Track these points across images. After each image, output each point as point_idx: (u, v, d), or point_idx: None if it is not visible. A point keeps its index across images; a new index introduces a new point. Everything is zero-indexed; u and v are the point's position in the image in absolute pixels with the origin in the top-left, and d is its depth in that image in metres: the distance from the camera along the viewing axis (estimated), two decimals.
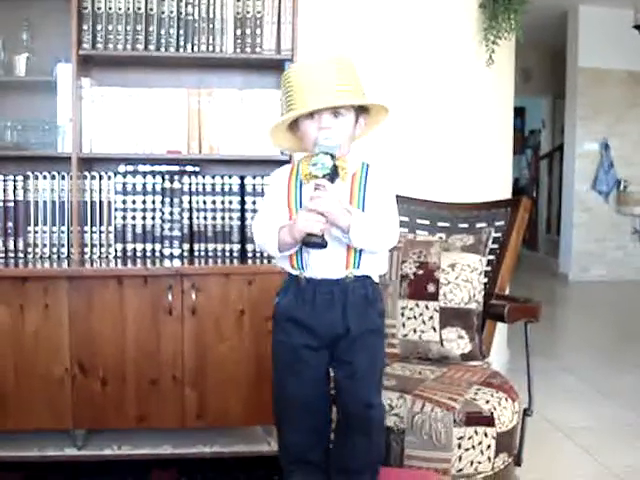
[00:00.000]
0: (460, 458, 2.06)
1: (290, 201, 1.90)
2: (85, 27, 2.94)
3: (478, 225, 2.71)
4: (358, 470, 1.93)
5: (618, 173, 7.78)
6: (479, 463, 2.08)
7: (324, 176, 1.78)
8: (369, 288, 1.91)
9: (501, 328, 3.43)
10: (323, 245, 1.78)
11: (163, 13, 3.00)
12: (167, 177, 3.08)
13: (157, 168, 3.10)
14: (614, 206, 7.87)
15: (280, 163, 3.07)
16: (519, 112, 9.72)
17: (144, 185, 3.06)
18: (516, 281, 3.68)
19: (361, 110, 1.90)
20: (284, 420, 1.96)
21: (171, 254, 3.07)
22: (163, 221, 3.08)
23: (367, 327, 1.90)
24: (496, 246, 2.64)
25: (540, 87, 9.16)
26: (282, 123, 1.89)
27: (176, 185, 3.08)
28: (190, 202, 3.09)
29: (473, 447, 2.07)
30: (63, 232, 3.02)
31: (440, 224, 2.78)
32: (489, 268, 2.62)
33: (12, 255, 3.00)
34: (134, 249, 3.07)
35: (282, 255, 1.89)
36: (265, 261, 3.02)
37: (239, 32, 3.04)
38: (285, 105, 1.88)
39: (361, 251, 1.87)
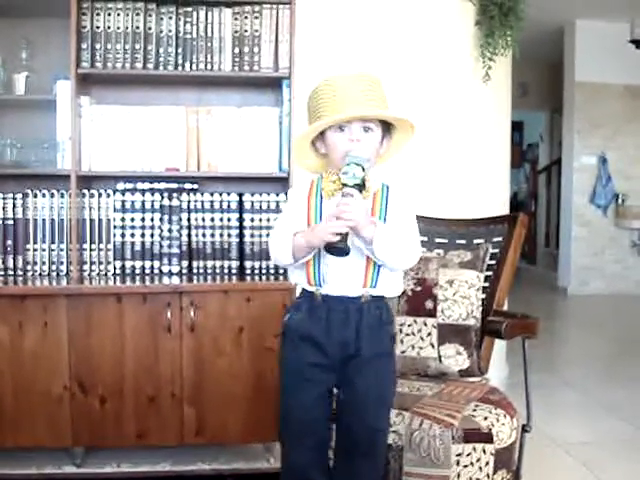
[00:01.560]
0: (459, 475, 2.06)
1: (310, 216, 1.89)
2: (84, 46, 2.96)
3: (476, 241, 2.71)
4: None
5: (616, 187, 7.80)
6: None
7: (353, 186, 1.78)
8: (383, 309, 1.91)
9: (500, 343, 3.43)
10: (346, 251, 1.76)
11: (162, 32, 3.02)
12: (166, 194, 3.09)
13: (156, 185, 3.11)
14: (612, 220, 7.89)
15: (278, 180, 3.11)
16: (517, 126, 9.75)
17: (143, 202, 3.07)
18: (515, 295, 3.69)
19: (386, 131, 1.91)
20: (288, 438, 1.95)
21: (170, 271, 3.08)
22: (162, 238, 3.09)
23: (378, 350, 1.90)
24: (494, 262, 2.64)
25: (538, 101, 9.21)
26: (312, 131, 1.86)
27: (175, 202, 3.09)
28: (189, 219, 3.10)
29: (472, 464, 2.06)
30: (62, 250, 3.03)
31: (438, 240, 2.79)
32: (487, 284, 2.62)
33: (11, 273, 3.01)
34: (133, 266, 3.08)
35: (297, 266, 1.88)
36: (264, 278, 3.03)
37: (237, 50, 3.06)
38: (314, 117, 1.86)
39: (379, 269, 1.86)
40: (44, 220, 3.02)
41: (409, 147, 2.00)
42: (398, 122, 1.90)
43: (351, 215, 1.75)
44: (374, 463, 1.94)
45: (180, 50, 3.04)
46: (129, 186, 3.08)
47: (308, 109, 1.90)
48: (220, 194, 3.11)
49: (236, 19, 3.06)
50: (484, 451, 2.08)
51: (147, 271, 3.09)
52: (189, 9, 3.03)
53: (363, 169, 1.79)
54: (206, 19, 3.04)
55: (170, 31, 3.02)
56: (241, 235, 3.12)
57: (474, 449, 2.07)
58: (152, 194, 3.08)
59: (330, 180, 1.85)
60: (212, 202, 3.10)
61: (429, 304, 2.51)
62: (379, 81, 1.88)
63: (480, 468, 2.08)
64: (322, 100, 1.83)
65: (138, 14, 2.99)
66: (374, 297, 1.88)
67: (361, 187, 1.79)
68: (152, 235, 3.08)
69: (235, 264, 3.11)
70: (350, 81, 1.83)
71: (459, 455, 2.05)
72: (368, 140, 1.85)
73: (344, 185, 1.78)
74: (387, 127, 1.91)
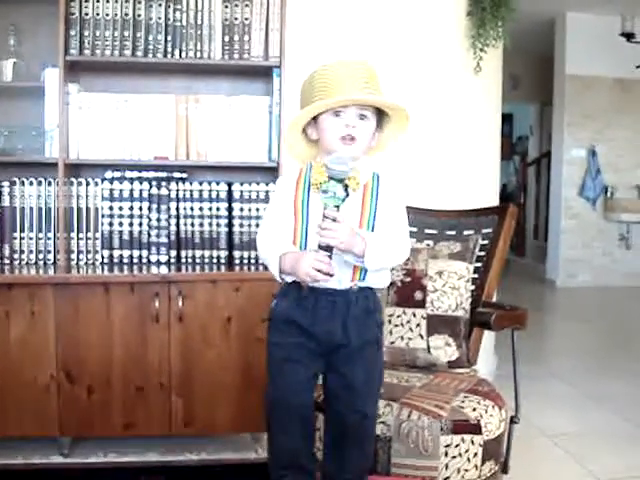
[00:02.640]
0: (447, 466, 2.06)
1: (297, 207, 1.86)
2: (72, 32, 2.93)
3: (465, 232, 2.71)
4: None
5: (605, 179, 7.81)
6: (466, 471, 2.08)
7: (335, 207, 1.74)
8: (371, 299, 1.91)
9: (489, 334, 3.43)
10: (330, 276, 1.77)
11: (151, 19, 2.99)
12: (154, 183, 3.07)
13: (144, 174, 3.09)
14: (601, 212, 7.90)
15: (267, 170, 3.09)
16: (507, 118, 9.75)
17: (131, 191, 3.05)
18: (504, 287, 3.69)
19: (378, 123, 1.89)
20: (275, 422, 1.93)
21: (158, 261, 3.06)
22: (150, 227, 3.07)
23: (366, 339, 1.89)
24: (483, 253, 2.64)
25: (528, 94, 9.20)
26: (313, 111, 1.82)
27: (163, 191, 3.07)
28: (177, 208, 3.08)
29: (460, 455, 2.07)
30: (49, 238, 3.00)
31: (427, 231, 2.79)
32: (476, 275, 2.62)
33: None
34: (121, 255, 3.06)
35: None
36: (252, 268, 3.02)
37: (227, 38, 3.04)
38: (310, 100, 1.82)
39: None
40: (31, 208, 2.99)
41: (399, 141, 1.98)
42: (394, 112, 1.88)
43: (335, 241, 1.74)
44: (363, 450, 1.94)
45: (169, 38, 3.01)
46: (117, 174, 3.06)
47: (303, 93, 1.88)
48: (209, 183, 3.09)
49: (226, 7, 3.03)
50: (472, 442, 2.08)
51: (135, 260, 3.07)
52: None
53: (345, 187, 1.74)
54: (196, 6, 3.01)
55: (159, 18, 2.99)
56: (230, 225, 3.10)
57: (462, 440, 2.07)
58: (141, 183, 3.06)
59: (319, 171, 1.81)
60: (201, 191, 3.08)
61: (418, 295, 2.50)
62: (375, 71, 1.87)
63: (468, 459, 2.08)
64: (321, 83, 1.80)
65: (127, 1, 2.96)
66: (362, 288, 1.88)
67: (344, 200, 1.76)
68: (140, 224, 3.07)
69: (224, 254, 3.10)
70: (349, 67, 1.82)
71: (447, 446, 2.06)
72: (363, 128, 1.83)
73: (324, 204, 1.75)
74: (379, 121, 1.89)
